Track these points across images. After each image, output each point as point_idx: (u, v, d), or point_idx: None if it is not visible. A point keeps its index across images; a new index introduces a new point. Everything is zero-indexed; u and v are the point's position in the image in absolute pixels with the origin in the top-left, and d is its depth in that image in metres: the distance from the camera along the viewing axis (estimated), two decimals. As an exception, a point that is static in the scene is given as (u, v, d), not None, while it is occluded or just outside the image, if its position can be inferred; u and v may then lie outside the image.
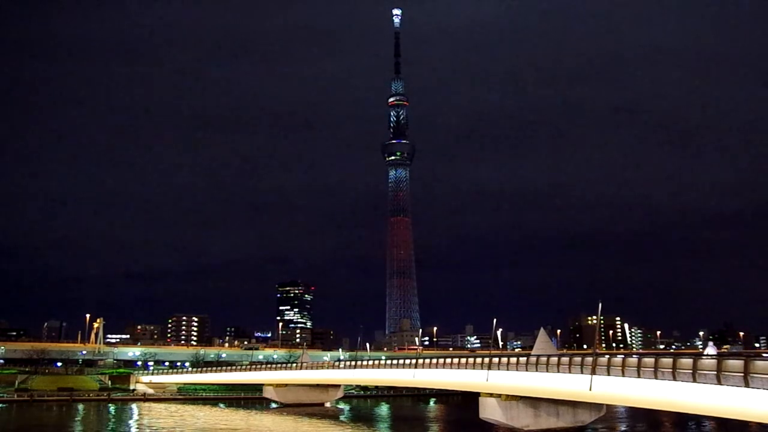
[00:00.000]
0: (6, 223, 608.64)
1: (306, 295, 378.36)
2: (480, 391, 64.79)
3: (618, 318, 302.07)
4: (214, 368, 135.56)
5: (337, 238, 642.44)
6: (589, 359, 50.73)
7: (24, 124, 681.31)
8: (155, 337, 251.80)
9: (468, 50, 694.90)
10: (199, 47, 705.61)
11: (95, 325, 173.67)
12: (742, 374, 36.78)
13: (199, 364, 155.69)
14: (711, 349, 52.34)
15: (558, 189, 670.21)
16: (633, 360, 46.56)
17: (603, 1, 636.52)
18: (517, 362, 60.16)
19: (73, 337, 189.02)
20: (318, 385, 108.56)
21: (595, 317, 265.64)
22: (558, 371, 53.86)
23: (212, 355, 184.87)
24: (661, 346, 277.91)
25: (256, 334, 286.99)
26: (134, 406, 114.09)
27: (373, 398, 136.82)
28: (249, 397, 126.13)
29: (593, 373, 49.47)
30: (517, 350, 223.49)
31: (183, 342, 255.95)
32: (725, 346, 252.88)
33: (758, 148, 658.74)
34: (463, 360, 69.89)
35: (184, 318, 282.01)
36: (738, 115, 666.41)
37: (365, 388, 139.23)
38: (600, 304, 56.29)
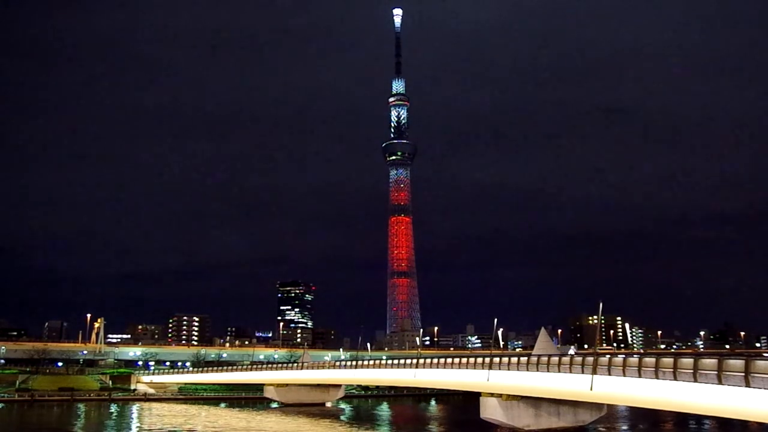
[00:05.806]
0: (6, 223, 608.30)
1: (307, 295, 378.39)
2: (481, 391, 64.87)
3: (619, 318, 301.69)
4: (215, 368, 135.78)
5: (338, 238, 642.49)
6: (590, 359, 50.82)
7: (23, 125, 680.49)
8: (156, 337, 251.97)
9: (468, 50, 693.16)
10: (196, 47, 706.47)
11: (96, 324, 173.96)
12: (743, 374, 36.85)
13: (200, 364, 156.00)
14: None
15: (558, 188, 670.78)
16: (634, 360, 46.61)
17: (598, 1, 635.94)
18: (518, 362, 60.23)
19: (73, 337, 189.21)
20: (319, 385, 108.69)
21: (595, 317, 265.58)
22: (559, 371, 53.95)
23: (213, 355, 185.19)
24: (662, 346, 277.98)
25: (256, 334, 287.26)
26: (135, 406, 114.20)
27: (374, 398, 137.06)
28: (250, 397, 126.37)
29: (594, 372, 49.56)
30: (518, 350, 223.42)
31: (184, 342, 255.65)
32: (726, 346, 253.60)
33: (757, 147, 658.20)
34: (464, 360, 69.89)
35: (185, 318, 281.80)
36: (735, 113, 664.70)
37: (366, 387, 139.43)
38: (601, 304, 56.41)
